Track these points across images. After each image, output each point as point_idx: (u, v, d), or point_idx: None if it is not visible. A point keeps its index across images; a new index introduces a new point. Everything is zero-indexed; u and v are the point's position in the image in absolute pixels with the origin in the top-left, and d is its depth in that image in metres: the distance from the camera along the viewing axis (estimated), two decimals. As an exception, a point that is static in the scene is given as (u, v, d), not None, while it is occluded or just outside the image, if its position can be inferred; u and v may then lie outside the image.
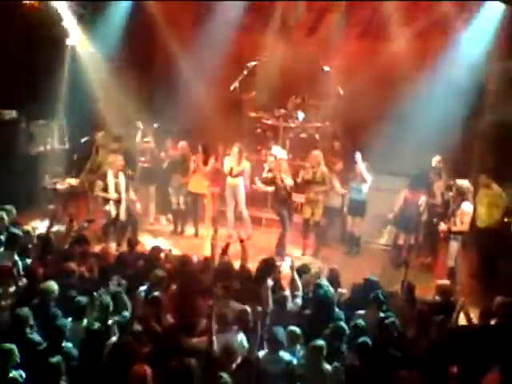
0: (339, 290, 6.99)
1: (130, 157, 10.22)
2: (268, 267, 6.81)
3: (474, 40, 10.20)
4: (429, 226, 9.46)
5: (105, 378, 4.87)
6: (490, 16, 10.05)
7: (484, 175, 8.96)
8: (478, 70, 10.05)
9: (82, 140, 10.80)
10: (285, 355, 5.38)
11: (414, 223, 9.39)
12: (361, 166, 9.61)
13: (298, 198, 10.59)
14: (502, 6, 9.74)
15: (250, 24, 12.15)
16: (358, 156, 9.63)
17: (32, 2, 10.95)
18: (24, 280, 6.61)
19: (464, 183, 8.69)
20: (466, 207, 8.49)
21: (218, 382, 4.73)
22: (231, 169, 10.10)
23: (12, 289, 6.40)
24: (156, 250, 7.65)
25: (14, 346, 4.91)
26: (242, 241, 7.43)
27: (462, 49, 10.35)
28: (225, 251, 7.30)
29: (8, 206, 8.15)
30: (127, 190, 9.38)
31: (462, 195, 8.59)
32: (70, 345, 5.36)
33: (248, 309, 5.90)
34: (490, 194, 8.82)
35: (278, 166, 9.68)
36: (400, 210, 9.50)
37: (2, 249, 7.23)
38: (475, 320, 6.40)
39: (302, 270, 7.15)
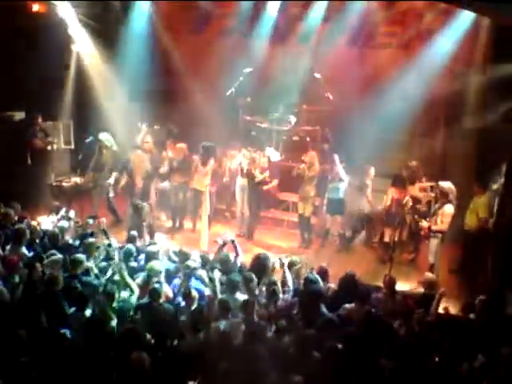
0: (328, 284, 7.04)
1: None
2: (260, 262, 6.97)
3: (449, 46, 10.22)
4: (412, 224, 9.49)
5: (107, 365, 4.87)
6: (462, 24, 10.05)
7: (476, 184, 8.91)
8: (458, 76, 10.12)
9: (87, 140, 10.79)
10: None
11: (398, 221, 9.40)
12: (338, 166, 9.68)
13: (290, 198, 10.66)
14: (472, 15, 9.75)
15: (246, 31, 12.16)
16: (336, 157, 9.70)
17: (39, 7, 10.95)
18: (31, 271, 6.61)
19: (446, 185, 8.73)
20: (448, 208, 8.53)
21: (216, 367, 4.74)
22: (241, 170, 10.27)
23: (17, 280, 6.41)
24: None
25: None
26: (232, 241, 7.58)
27: (441, 56, 10.36)
28: (221, 248, 7.48)
29: (14, 203, 8.23)
30: None
31: (444, 196, 8.64)
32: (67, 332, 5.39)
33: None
34: (476, 202, 8.79)
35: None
36: (386, 208, 9.52)
37: (10, 242, 7.23)
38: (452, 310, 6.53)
39: (291, 265, 7.21)
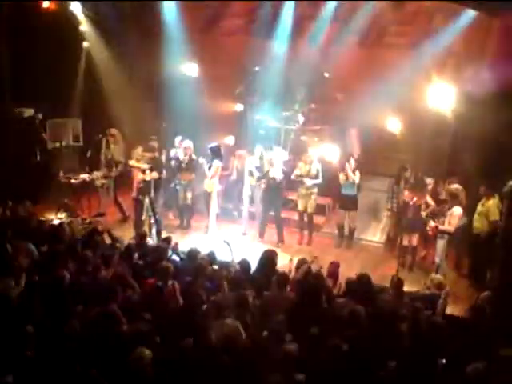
0: (338, 282, 7.06)
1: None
2: (268, 258, 7.02)
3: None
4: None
5: (112, 361, 4.88)
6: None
7: (483, 187, 8.82)
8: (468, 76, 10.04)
9: (96, 138, 10.84)
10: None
11: (416, 226, 9.29)
12: (348, 170, 9.78)
13: (294, 196, 10.69)
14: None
15: (255, 30, 12.14)
16: (349, 163, 9.80)
17: (50, 5, 11.00)
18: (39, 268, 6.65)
19: (454, 187, 8.70)
20: (456, 210, 8.53)
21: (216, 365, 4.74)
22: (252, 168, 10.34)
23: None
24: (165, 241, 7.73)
25: None
26: None
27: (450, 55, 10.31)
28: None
29: (24, 200, 8.28)
30: None
31: (454, 198, 8.62)
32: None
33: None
34: (485, 205, 8.72)
35: (269, 161, 10.03)
36: (403, 212, 9.35)
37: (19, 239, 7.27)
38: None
39: (300, 263, 7.22)
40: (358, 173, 9.80)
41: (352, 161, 9.81)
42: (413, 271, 9.09)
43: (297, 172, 10.11)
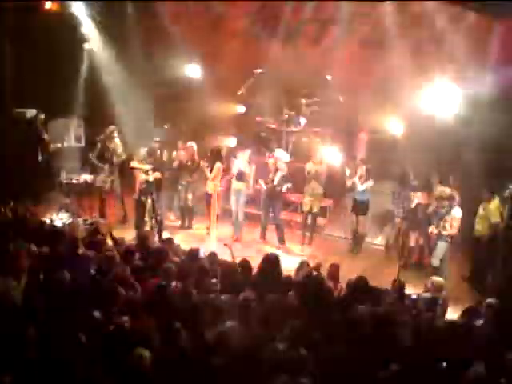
0: (339, 284, 7.04)
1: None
2: (270, 262, 6.94)
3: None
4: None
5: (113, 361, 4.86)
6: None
7: (485, 191, 8.85)
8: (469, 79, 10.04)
9: (97, 138, 10.85)
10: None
11: (423, 225, 9.34)
12: (356, 178, 9.86)
13: (299, 199, 10.65)
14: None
15: (258, 33, 12.14)
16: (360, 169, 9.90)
17: (52, 5, 11.02)
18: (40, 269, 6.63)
19: (446, 190, 8.74)
20: (457, 212, 8.56)
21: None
22: (241, 173, 10.27)
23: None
24: (167, 242, 7.72)
25: None
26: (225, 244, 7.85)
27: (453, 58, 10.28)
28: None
29: (23, 200, 8.29)
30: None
31: (451, 200, 8.62)
32: None
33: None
34: (487, 208, 8.77)
35: (273, 164, 10.10)
36: (412, 212, 9.47)
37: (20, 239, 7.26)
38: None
39: (301, 266, 7.21)
40: (369, 180, 9.82)
41: (359, 167, 9.85)
42: (416, 272, 9.06)
43: (309, 171, 10.08)
